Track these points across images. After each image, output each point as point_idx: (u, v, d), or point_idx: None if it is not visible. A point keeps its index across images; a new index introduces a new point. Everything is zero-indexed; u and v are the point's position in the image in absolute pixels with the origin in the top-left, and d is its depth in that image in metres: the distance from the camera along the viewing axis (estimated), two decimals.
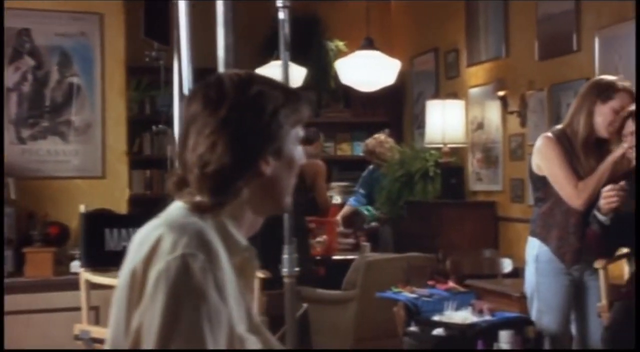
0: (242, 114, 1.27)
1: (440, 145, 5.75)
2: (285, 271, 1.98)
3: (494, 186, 5.67)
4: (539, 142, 3.09)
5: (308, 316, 2.74)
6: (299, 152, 1.36)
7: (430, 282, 3.44)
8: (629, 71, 4.34)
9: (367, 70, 4.49)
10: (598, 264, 2.98)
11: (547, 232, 3.12)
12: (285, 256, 2.00)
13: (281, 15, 2.02)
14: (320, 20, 6.89)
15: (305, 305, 2.63)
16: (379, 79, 4.62)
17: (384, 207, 5.99)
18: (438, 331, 2.93)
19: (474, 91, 5.88)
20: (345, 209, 6.30)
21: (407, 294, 3.25)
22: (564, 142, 3.05)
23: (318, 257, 5.83)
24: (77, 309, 2.90)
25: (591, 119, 3.00)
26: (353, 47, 5.79)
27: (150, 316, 1.14)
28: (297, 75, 5.65)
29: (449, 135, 5.70)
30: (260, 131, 1.28)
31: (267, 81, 1.33)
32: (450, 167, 5.76)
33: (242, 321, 1.24)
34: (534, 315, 3.19)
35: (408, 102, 7.00)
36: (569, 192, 2.98)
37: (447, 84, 6.30)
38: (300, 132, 1.36)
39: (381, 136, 6.20)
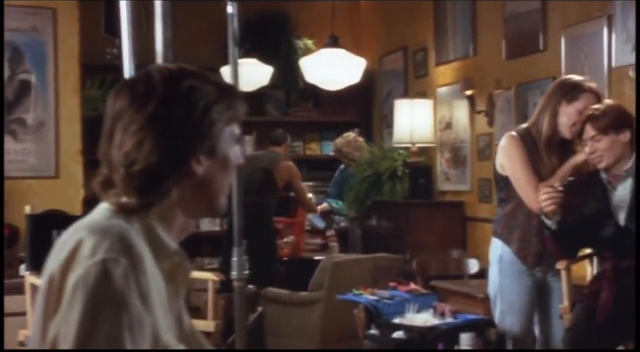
0: (171, 109, 1.20)
1: (409, 145, 5.71)
2: (234, 274, 1.90)
3: (462, 185, 5.65)
4: (503, 141, 3.05)
5: (263, 320, 2.67)
6: (235, 152, 1.29)
7: (392, 284, 3.39)
8: (594, 70, 4.32)
9: (331, 68, 4.43)
10: (560, 265, 2.95)
11: (509, 233, 3.08)
12: (234, 259, 1.93)
13: (229, 9, 1.94)
14: (289, 19, 6.82)
15: (260, 308, 2.56)
16: (344, 77, 4.56)
17: (352, 207, 5.93)
18: (398, 334, 2.88)
19: (442, 90, 5.85)
20: (323, 206, 6.25)
21: (368, 296, 3.19)
22: (528, 142, 3.01)
23: (285, 258, 5.77)
24: (25, 313, 2.80)
25: (555, 119, 2.96)
26: (321, 45, 5.72)
27: (67, 325, 1.06)
28: (263, 74, 5.59)
29: (417, 134, 5.66)
30: (191, 128, 1.21)
31: (200, 76, 1.26)
32: (419, 167, 5.73)
33: (170, 329, 1.17)
34: (496, 316, 3.15)
35: (377, 102, 6.96)
36: (529, 195, 2.94)
37: (415, 83, 6.26)
38: (236, 129, 1.29)
39: (350, 135, 6.15)
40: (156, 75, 1.22)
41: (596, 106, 2.85)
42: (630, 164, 2.81)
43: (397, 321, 2.95)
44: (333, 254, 5.79)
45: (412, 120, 5.63)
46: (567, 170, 2.89)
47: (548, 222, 2.77)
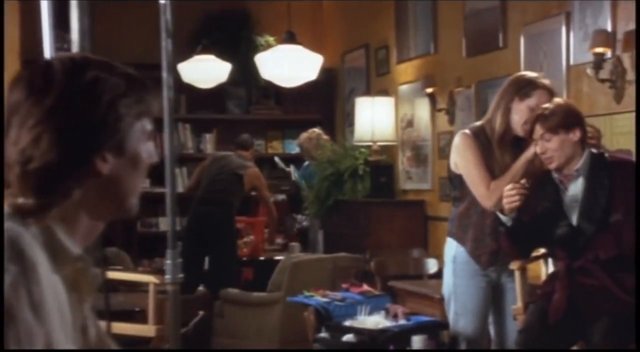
0: (72, 103, 1.10)
1: (370, 143, 5.65)
2: (167, 278, 1.81)
3: (424, 184, 5.60)
4: (457, 139, 3.00)
5: (207, 323, 2.58)
6: (147, 149, 1.20)
7: (344, 286, 3.32)
8: (553, 68, 4.30)
9: (288, 65, 4.34)
10: (513, 265, 2.90)
11: (463, 233, 3.03)
12: (167, 262, 1.84)
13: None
14: (250, 16, 6.73)
15: (201, 312, 2.47)
16: (301, 74, 4.48)
17: (312, 206, 5.86)
18: (348, 337, 2.81)
19: (403, 88, 5.80)
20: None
21: (319, 298, 3.12)
22: (482, 139, 2.96)
23: (244, 259, 5.68)
24: None
25: (508, 116, 2.91)
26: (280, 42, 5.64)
27: None
28: (221, 70, 5.49)
29: (379, 133, 5.60)
30: (94, 123, 1.12)
31: (107, 66, 1.16)
32: (380, 166, 5.67)
33: (71, 339, 1.08)
34: (450, 318, 3.10)
35: (340, 99, 6.89)
36: (481, 192, 2.89)
37: (377, 80, 6.21)
38: (148, 125, 1.20)
39: (314, 132, 6.07)
40: (57, 65, 1.13)
41: (545, 105, 2.79)
42: (580, 163, 2.76)
43: (347, 323, 2.88)
44: (293, 254, 5.71)
45: (373, 119, 5.57)
46: (519, 168, 2.84)
47: (504, 218, 2.72)
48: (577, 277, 2.73)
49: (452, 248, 3.09)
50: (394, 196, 5.78)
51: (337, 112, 6.92)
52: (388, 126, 5.63)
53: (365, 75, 6.33)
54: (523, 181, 2.64)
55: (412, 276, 4.47)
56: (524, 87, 2.90)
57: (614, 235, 2.71)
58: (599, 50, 3.81)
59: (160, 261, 6.63)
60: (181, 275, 1.83)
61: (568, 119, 2.77)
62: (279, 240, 6.11)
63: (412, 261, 4.60)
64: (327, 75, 6.89)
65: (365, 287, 3.24)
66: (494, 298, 3.08)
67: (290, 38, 4.41)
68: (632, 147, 3.74)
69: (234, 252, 5.50)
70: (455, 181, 3.04)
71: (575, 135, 2.77)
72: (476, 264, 3.02)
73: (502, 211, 2.71)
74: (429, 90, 5.25)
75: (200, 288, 3.10)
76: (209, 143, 6.73)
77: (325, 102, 6.93)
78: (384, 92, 5.95)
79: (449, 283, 3.09)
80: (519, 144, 2.96)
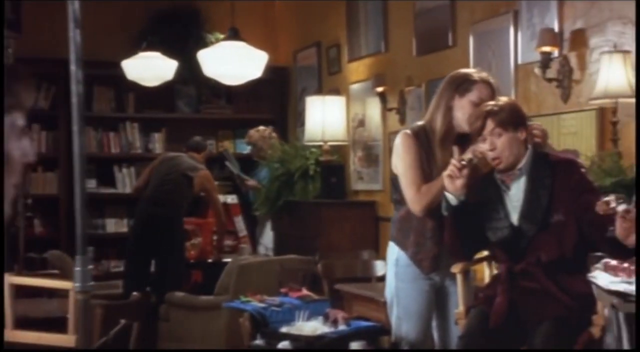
0: None
1: (321, 143, 5.55)
2: (77, 286, 1.69)
3: (375, 185, 5.52)
4: (397, 140, 2.92)
5: (128, 332, 2.45)
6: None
7: (283, 290, 3.21)
8: (501, 67, 4.25)
9: (231, 62, 4.21)
10: (455, 268, 2.82)
11: (403, 237, 2.95)
12: (77, 269, 1.71)
13: None
14: (200, 13, 6.58)
15: (123, 321, 2.35)
16: (245, 71, 4.35)
17: (262, 207, 5.75)
18: (284, 344, 2.70)
19: (355, 87, 5.72)
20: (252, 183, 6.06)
21: (255, 303, 3.00)
22: (423, 139, 2.88)
23: (192, 261, 5.54)
24: None
25: (450, 114, 2.84)
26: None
27: None
28: (167, 68, 5.34)
29: (329, 132, 5.50)
30: None
31: None
32: (331, 166, 5.57)
33: None
34: (393, 322, 3.02)
35: (292, 98, 6.78)
36: (411, 195, 2.81)
37: (329, 79, 6.12)
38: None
39: (266, 130, 5.96)
40: None
41: (493, 102, 2.72)
42: (523, 162, 2.69)
43: (284, 330, 2.77)
44: (243, 256, 5.60)
45: (324, 118, 5.47)
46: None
47: (450, 196, 2.62)
48: (518, 281, 2.66)
49: (394, 251, 3.02)
50: (345, 196, 5.69)
51: (290, 111, 6.81)
52: (339, 126, 5.54)
53: (317, 74, 6.23)
54: (467, 158, 2.57)
55: (360, 278, 4.38)
56: (462, 83, 2.84)
57: (556, 236, 2.65)
58: (546, 49, 3.77)
59: (107, 263, 6.47)
60: (92, 283, 1.70)
61: (516, 117, 2.71)
62: (229, 242, 5.98)
63: (360, 263, 4.51)
64: (279, 74, 6.79)
65: (305, 291, 3.14)
66: (437, 302, 3.00)
67: (234, 34, 4.29)
68: (578, 147, 3.71)
69: (182, 255, 5.36)
70: (396, 183, 2.96)
71: (522, 134, 2.71)
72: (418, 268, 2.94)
73: (449, 191, 2.61)
74: (380, 89, 5.17)
75: (135, 293, 2.97)
76: (157, 142, 6.57)
77: (277, 101, 6.82)
78: (336, 91, 5.86)
79: (392, 286, 3.01)
80: (463, 142, 2.89)
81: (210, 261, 5.61)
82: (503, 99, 2.74)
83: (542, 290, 2.62)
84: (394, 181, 2.99)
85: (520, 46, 4.11)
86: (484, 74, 2.89)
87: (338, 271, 4.36)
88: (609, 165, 3.22)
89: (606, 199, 2.39)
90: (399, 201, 2.98)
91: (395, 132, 5.13)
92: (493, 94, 2.81)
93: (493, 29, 4.30)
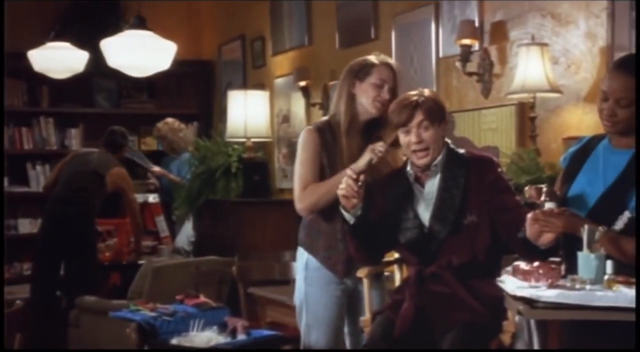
0: None
1: (243, 140, 5.33)
2: None
3: None
4: (300, 136, 2.74)
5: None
6: None
7: (178, 297, 2.99)
8: (423, 61, 4.11)
9: (136, 52, 3.96)
10: (361, 272, 2.65)
11: (312, 241, 2.78)
12: None
13: None
14: (120, 3, 6.29)
15: None
16: (151, 62, 4.10)
17: (183, 206, 5.50)
18: None
19: (279, 82, 5.52)
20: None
21: (146, 312, 2.78)
22: (327, 134, 2.72)
23: (106, 263, 5.26)
24: None
25: (353, 102, 2.71)
26: (154, 31, 5.26)
27: None
28: (77, 60, 5.04)
29: (252, 128, 5.27)
30: None
31: None
32: (254, 163, 5.35)
33: None
34: (302, 330, 2.85)
35: (217, 93, 6.55)
36: (296, 193, 2.68)
37: (254, 73, 5.91)
38: None
39: (175, 122, 5.72)
40: None
41: (416, 93, 2.53)
42: (439, 158, 2.53)
43: (174, 341, 2.56)
44: (162, 257, 5.35)
45: (246, 113, 5.25)
46: (362, 166, 2.61)
47: (347, 215, 2.46)
48: (428, 285, 2.49)
49: (303, 255, 2.84)
50: (270, 195, 5.49)
51: (215, 106, 6.57)
52: (262, 122, 5.32)
53: (242, 68, 6.02)
54: (350, 173, 2.40)
55: (278, 281, 4.18)
56: (362, 69, 2.71)
57: (468, 238, 2.49)
58: (466, 42, 3.64)
59: (20, 266, 6.15)
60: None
61: (441, 111, 2.54)
62: (149, 242, 5.72)
63: (279, 264, 4.31)
64: (204, 67, 6.57)
65: (202, 298, 2.92)
66: (349, 307, 2.83)
67: (140, 23, 4.03)
68: (498, 143, 3.59)
69: (93, 257, 5.07)
70: None
71: (444, 129, 2.55)
72: (331, 272, 2.76)
73: (345, 208, 2.45)
74: (302, 83, 4.99)
75: (18, 301, 2.71)
76: (74, 139, 6.26)
77: (201, 96, 6.58)
78: (261, 86, 5.66)
79: (301, 292, 2.84)
80: (370, 132, 2.72)
81: (125, 263, 5.33)
82: (426, 91, 2.56)
83: (452, 295, 2.46)
84: None
85: (441, 39, 3.98)
86: (382, 56, 2.78)
87: (254, 273, 4.14)
88: (526, 163, 3.09)
89: (540, 186, 2.25)
90: None
91: None
92: (394, 75, 2.72)
93: (414, 21, 4.15)
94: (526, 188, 2.25)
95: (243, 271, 4.11)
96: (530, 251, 2.28)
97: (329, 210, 2.69)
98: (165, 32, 5.29)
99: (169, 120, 5.66)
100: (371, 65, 2.70)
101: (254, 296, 3.86)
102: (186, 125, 6.35)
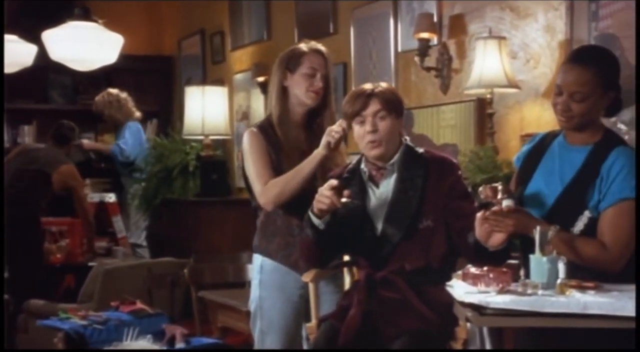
0: None
1: (201, 137, 5.17)
2: None
3: None
4: (243, 139, 2.61)
5: None
6: None
7: (113, 303, 2.83)
8: (382, 55, 3.99)
9: (80, 44, 3.78)
10: (306, 277, 2.51)
11: (268, 243, 2.64)
12: None
13: None
14: None
15: None
16: (96, 55, 3.93)
17: (139, 207, 5.34)
18: None
19: (239, 77, 5.37)
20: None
21: (76, 320, 2.62)
22: (269, 133, 2.60)
23: (57, 265, 5.07)
24: None
25: (285, 96, 2.59)
26: (112, 26, 5.09)
27: None
28: (25, 53, 4.83)
29: (210, 125, 5.12)
30: None
31: None
32: (212, 162, 5.19)
33: None
34: (255, 336, 2.71)
35: (177, 89, 6.38)
36: (258, 189, 2.55)
37: (213, 69, 5.75)
38: None
39: (111, 94, 5.59)
40: None
41: (369, 84, 2.39)
42: (396, 158, 2.38)
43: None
44: (116, 259, 5.17)
45: (204, 110, 5.09)
46: (309, 163, 2.48)
47: (317, 221, 2.32)
48: (378, 290, 2.35)
49: (258, 259, 2.70)
50: (229, 194, 5.33)
51: (175, 103, 6.40)
52: (220, 118, 5.17)
53: (202, 63, 5.85)
54: (335, 182, 2.25)
55: (232, 284, 4.03)
56: (291, 59, 2.59)
57: (423, 244, 2.34)
58: (424, 35, 3.52)
59: None
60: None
61: (399, 104, 2.39)
62: (104, 243, 5.53)
63: (234, 267, 4.15)
64: (164, 63, 6.40)
65: (139, 304, 2.77)
66: (308, 312, 2.69)
67: (84, 14, 3.85)
68: (457, 140, 3.47)
69: (39, 258, 4.87)
70: (252, 187, 2.65)
71: (401, 123, 2.41)
72: (289, 274, 2.62)
73: (315, 213, 2.31)
74: (261, 79, 4.84)
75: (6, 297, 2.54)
76: (27, 136, 6.06)
77: (161, 92, 6.42)
78: (220, 82, 5.50)
79: (255, 296, 2.69)
80: (311, 124, 2.61)
81: (79, 264, 5.14)
82: (383, 83, 2.42)
83: (402, 301, 2.32)
84: (248, 185, 2.68)
85: (400, 33, 3.86)
86: (312, 43, 2.65)
87: (208, 275, 3.99)
88: (483, 161, 2.97)
89: (494, 185, 2.12)
90: (259, 205, 2.67)
91: None
92: (326, 62, 2.59)
93: (373, 14, 4.03)
94: (480, 188, 2.12)
95: (195, 274, 3.96)
96: (480, 256, 2.15)
97: (284, 207, 2.57)
98: (124, 26, 5.14)
99: (106, 92, 5.49)
100: (300, 54, 2.57)
101: (204, 300, 3.71)
102: (146, 123, 6.20)
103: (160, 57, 6.41)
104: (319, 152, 2.46)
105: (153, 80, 6.31)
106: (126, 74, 6.20)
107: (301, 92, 2.56)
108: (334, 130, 2.47)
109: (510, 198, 2.10)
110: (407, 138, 2.47)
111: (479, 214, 2.08)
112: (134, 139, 5.57)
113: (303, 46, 2.61)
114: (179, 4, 6.31)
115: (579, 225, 2.11)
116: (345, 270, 2.70)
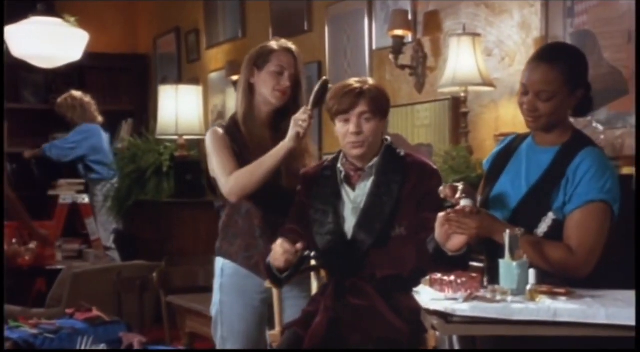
0: None
1: (174, 137, 5.05)
2: None
3: None
4: (206, 138, 2.51)
5: None
6: None
7: (69, 311, 2.72)
8: (357, 53, 3.90)
9: (43, 41, 3.67)
10: (268, 281, 2.40)
11: (229, 245, 2.55)
12: None
13: None
14: None
15: None
16: (60, 53, 3.81)
17: (112, 209, 5.21)
18: None
19: (214, 76, 5.27)
20: None
21: (26, 329, 2.50)
22: (233, 132, 2.51)
23: (25, 268, 4.93)
24: None
25: (251, 93, 2.51)
26: (86, 24, 4.98)
27: None
28: None
29: (184, 125, 5.00)
30: None
31: None
32: (187, 162, 5.07)
33: None
34: (217, 343, 2.61)
35: (152, 88, 6.26)
36: (223, 182, 2.44)
37: (188, 68, 5.64)
38: None
39: (75, 97, 5.46)
40: None
41: (360, 80, 2.28)
42: (375, 160, 2.28)
43: None
44: (87, 262, 5.05)
45: (178, 110, 4.97)
46: (274, 155, 2.38)
47: (279, 275, 2.24)
48: (346, 297, 2.24)
49: (219, 261, 2.60)
50: (204, 195, 5.21)
51: (150, 102, 6.28)
52: (195, 118, 5.05)
53: (177, 61, 5.74)
54: (299, 246, 2.14)
55: (201, 288, 3.91)
56: (259, 57, 2.50)
57: (395, 252, 2.23)
58: (399, 33, 3.43)
59: None
60: None
61: (385, 105, 2.28)
62: (76, 246, 5.41)
63: (204, 270, 4.04)
64: (139, 61, 6.28)
65: (95, 312, 2.66)
66: (271, 318, 2.59)
67: (48, 9, 3.73)
68: (432, 140, 3.38)
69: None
70: (216, 187, 2.54)
71: (383, 124, 2.31)
72: (249, 278, 2.52)
73: (276, 270, 2.23)
74: (235, 78, 4.73)
75: None
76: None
77: (137, 91, 6.30)
78: (195, 81, 5.39)
79: (216, 301, 2.60)
80: (279, 123, 2.50)
81: (49, 268, 5.02)
82: (370, 80, 2.31)
83: (371, 308, 2.22)
84: (212, 186, 2.58)
85: (374, 31, 3.77)
86: (282, 41, 2.56)
87: (177, 279, 3.88)
88: (456, 162, 2.88)
89: (455, 184, 2.02)
90: (222, 206, 2.60)
91: None
92: (295, 61, 2.50)
93: (348, 12, 3.94)
94: (440, 188, 2.03)
95: (164, 277, 3.85)
96: (438, 262, 2.03)
97: (246, 209, 2.48)
98: (98, 24, 5.04)
99: (70, 96, 5.41)
100: (269, 52, 2.49)
101: (172, 305, 3.61)
102: (120, 123, 6.09)
103: (136, 55, 6.30)
104: (285, 144, 2.35)
105: (128, 79, 6.19)
106: (101, 73, 6.09)
107: (267, 90, 2.47)
108: (300, 119, 2.36)
109: (469, 199, 2.00)
110: (389, 138, 2.37)
111: (440, 214, 1.99)
112: (80, 138, 5.44)
113: (273, 44, 2.52)
114: (154, 2, 6.19)
115: (543, 227, 2.02)
116: (313, 275, 2.60)
